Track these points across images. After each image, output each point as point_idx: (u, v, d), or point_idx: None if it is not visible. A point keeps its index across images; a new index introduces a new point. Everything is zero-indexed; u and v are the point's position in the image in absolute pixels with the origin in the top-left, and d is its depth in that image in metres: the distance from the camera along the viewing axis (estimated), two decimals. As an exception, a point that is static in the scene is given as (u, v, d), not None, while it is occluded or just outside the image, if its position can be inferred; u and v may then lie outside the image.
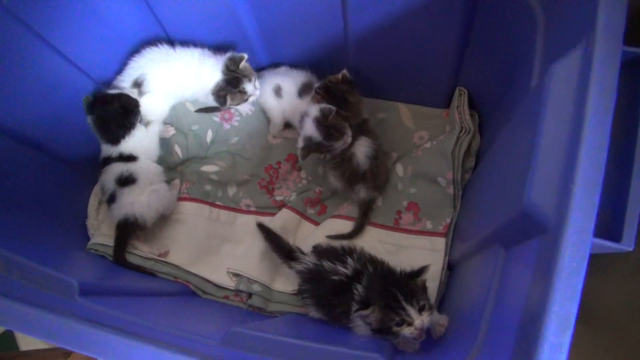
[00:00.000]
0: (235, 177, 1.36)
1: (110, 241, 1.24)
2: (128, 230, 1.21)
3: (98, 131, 1.24)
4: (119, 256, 1.21)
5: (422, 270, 0.94)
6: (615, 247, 0.57)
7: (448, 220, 1.19)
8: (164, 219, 1.29)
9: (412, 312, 0.88)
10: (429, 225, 1.21)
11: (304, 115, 1.19)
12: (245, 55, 1.25)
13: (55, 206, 1.21)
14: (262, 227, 1.21)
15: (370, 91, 1.35)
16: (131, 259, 1.24)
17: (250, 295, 1.21)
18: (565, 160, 0.59)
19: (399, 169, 1.27)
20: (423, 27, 1.05)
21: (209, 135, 1.38)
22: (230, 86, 1.26)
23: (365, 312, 0.90)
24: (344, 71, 1.20)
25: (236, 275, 1.23)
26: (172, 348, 0.61)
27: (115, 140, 1.23)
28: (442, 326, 0.93)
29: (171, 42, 1.33)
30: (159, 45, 1.30)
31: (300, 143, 1.19)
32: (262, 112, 1.39)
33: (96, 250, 1.23)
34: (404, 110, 1.35)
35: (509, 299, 0.69)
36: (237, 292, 1.23)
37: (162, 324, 0.81)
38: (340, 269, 1.01)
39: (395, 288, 0.90)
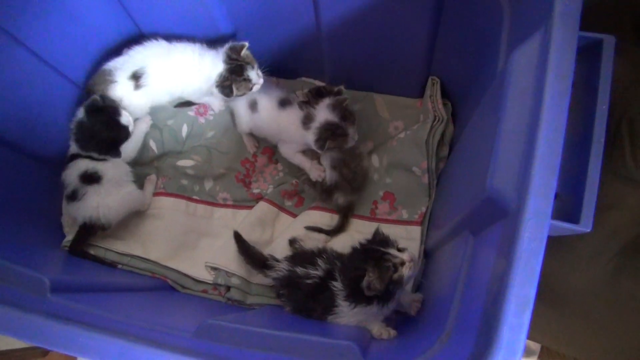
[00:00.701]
0: (212, 171, 1.35)
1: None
2: (91, 230, 1.20)
3: (75, 133, 1.21)
4: (75, 250, 1.19)
5: (375, 232, 0.98)
6: (573, 229, 0.59)
7: (423, 209, 1.20)
8: (138, 215, 1.29)
9: (396, 252, 0.92)
10: (404, 215, 1.22)
11: (309, 114, 1.19)
12: (246, 44, 1.21)
13: (29, 204, 1.20)
14: (237, 237, 1.20)
15: (346, 82, 1.35)
16: (108, 255, 1.23)
17: (228, 288, 1.21)
18: (525, 145, 0.60)
19: (375, 159, 1.28)
20: (393, 18, 1.06)
21: (185, 129, 1.38)
22: (235, 75, 1.21)
23: (367, 278, 0.90)
24: (342, 86, 1.23)
25: (214, 269, 1.23)
26: (142, 341, 0.61)
27: (86, 150, 1.21)
28: (417, 301, 0.98)
29: (167, 38, 1.29)
30: (159, 40, 1.27)
31: (313, 136, 1.17)
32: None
33: (71, 248, 1.22)
34: (379, 101, 1.35)
35: (476, 284, 0.70)
36: (216, 285, 1.23)
37: (135, 319, 0.80)
38: (312, 272, 1.02)
39: (370, 246, 0.95)
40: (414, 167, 1.22)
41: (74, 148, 1.23)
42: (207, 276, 1.23)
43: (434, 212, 1.18)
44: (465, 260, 0.77)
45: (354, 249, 1.00)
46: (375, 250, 0.93)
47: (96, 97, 1.20)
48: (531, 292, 0.53)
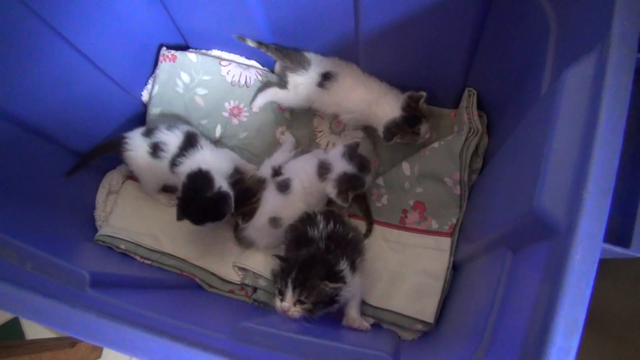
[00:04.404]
0: (243, 172, 1.36)
1: (119, 233, 1.25)
2: (114, 146, 1.26)
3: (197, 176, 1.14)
4: (95, 150, 1.27)
5: (337, 279, 0.97)
6: (623, 253, 0.58)
7: (454, 221, 1.20)
8: (169, 214, 1.30)
9: (289, 296, 0.94)
10: (434, 225, 1.21)
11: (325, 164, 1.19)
12: (424, 94, 1.20)
13: (65, 197, 1.22)
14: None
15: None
16: (138, 251, 1.25)
17: (255, 289, 1.23)
18: (577, 165, 0.59)
19: (406, 168, 1.27)
20: (434, 29, 1.06)
21: (218, 130, 1.39)
22: (407, 125, 1.20)
23: (275, 257, 1.03)
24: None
25: (242, 269, 1.24)
26: (186, 342, 0.62)
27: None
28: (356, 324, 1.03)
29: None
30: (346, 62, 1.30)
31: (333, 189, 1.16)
32: (270, 109, 1.40)
33: (103, 242, 1.24)
34: (412, 110, 1.35)
35: (516, 302, 0.70)
36: (243, 286, 1.24)
37: (171, 317, 0.82)
38: (320, 227, 1.08)
39: (302, 269, 0.96)
40: (445, 177, 1.21)
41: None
42: (234, 276, 1.25)
43: (465, 225, 1.18)
44: (503, 277, 0.77)
45: (325, 259, 1.02)
46: (290, 275, 0.96)
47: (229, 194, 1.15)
48: (581, 315, 0.53)
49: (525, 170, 0.74)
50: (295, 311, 0.94)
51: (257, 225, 1.20)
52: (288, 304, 0.94)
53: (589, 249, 0.54)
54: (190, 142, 1.21)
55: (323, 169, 1.17)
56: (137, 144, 1.24)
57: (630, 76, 0.59)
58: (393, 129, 1.22)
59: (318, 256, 1.02)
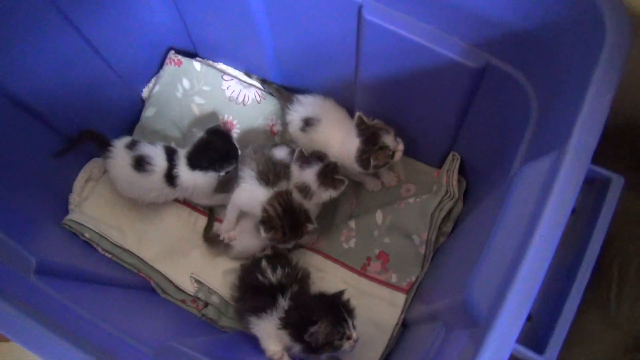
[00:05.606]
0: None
1: (87, 221, 1.25)
2: (97, 137, 1.25)
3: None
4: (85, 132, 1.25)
5: (341, 292, 1.04)
6: (536, 359, 0.59)
7: (413, 279, 1.20)
8: (141, 211, 1.33)
9: (351, 326, 0.97)
10: (394, 279, 1.22)
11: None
12: (359, 112, 1.18)
13: (42, 177, 1.21)
14: None
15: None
16: (101, 243, 1.25)
17: (206, 304, 1.23)
18: (510, 264, 0.60)
19: (379, 216, 1.28)
20: (426, 91, 1.07)
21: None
22: (370, 144, 1.15)
23: (315, 328, 0.95)
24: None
25: (198, 282, 1.25)
26: (99, 354, 0.63)
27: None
28: None
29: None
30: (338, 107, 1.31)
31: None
32: (262, 130, 1.42)
33: (70, 227, 1.25)
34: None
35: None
36: (195, 298, 1.24)
37: (105, 319, 0.82)
38: (269, 274, 1.10)
39: (339, 304, 0.99)
40: (414, 234, 1.22)
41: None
42: (189, 287, 1.25)
43: (422, 286, 1.18)
44: (432, 351, 0.77)
45: (322, 294, 1.07)
46: (340, 311, 0.97)
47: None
48: (477, 413, 0.53)
49: (469, 253, 0.75)
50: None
51: (245, 226, 1.22)
52: (355, 333, 0.97)
53: (499, 349, 0.55)
54: (173, 151, 1.24)
55: (304, 191, 1.17)
56: (119, 155, 1.23)
57: (578, 187, 0.60)
58: (362, 156, 1.18)
59: (311, 293, 1.12)
